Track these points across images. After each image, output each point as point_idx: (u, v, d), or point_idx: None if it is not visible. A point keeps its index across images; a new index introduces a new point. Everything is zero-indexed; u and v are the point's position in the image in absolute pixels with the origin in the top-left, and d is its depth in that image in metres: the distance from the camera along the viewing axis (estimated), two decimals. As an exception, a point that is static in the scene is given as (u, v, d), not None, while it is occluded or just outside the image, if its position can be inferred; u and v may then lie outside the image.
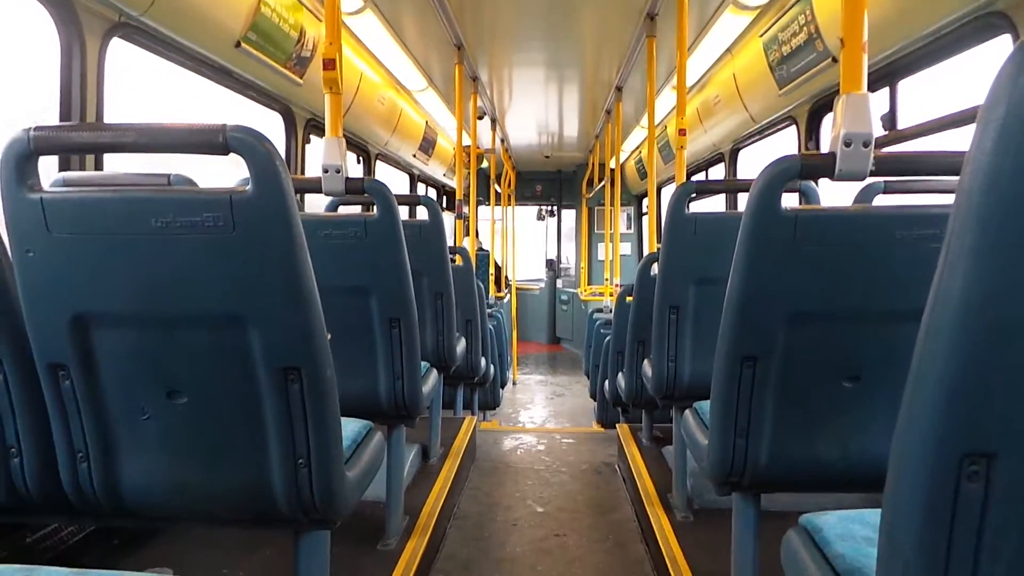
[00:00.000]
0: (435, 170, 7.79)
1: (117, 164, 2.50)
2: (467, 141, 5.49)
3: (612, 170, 7.09)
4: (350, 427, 1.51)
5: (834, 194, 2.20)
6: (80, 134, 1.14)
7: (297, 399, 1.19)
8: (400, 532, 2.25)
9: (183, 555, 2.08)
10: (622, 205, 8.60)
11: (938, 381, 0.60)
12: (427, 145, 6.88)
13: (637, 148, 8.41)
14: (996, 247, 0.55)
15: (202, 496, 1.28)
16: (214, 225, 1.10)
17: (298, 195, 2.78)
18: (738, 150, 5.10)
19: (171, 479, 1.26)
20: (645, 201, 9.86)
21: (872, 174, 1.32)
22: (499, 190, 9.21)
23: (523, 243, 11.27)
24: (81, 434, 1.23)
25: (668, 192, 6.96)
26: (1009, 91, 0.53)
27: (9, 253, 1.15)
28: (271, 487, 1.23)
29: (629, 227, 10.43)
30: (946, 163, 1.29)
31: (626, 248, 10.19)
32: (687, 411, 1.85)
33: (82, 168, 2.23)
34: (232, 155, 1.10)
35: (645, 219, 9.96)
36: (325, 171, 1.95)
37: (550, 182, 11.41)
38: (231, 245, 1.11)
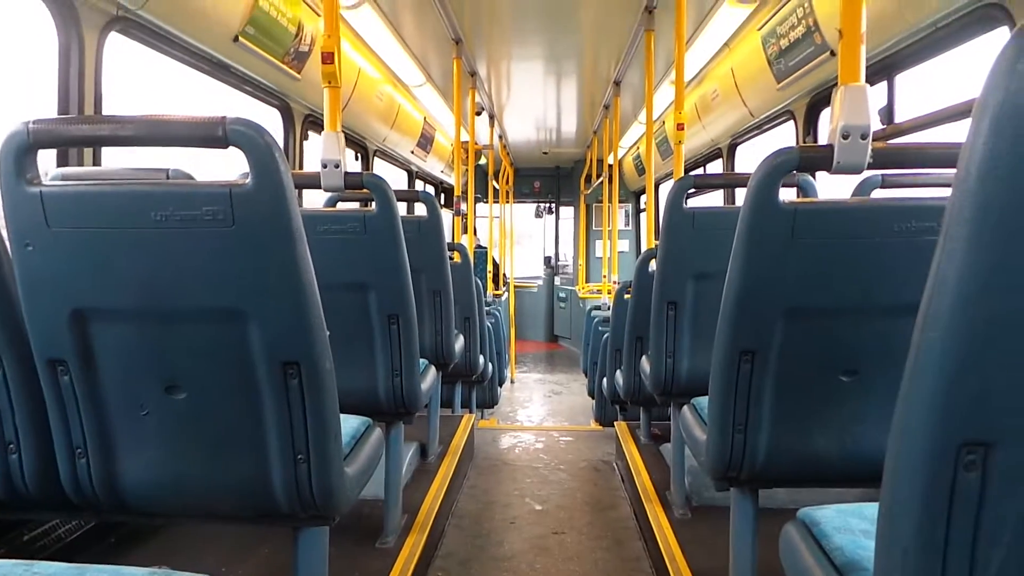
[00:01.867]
0: (433, 166, 7.78)
1: (116, 159, 2.49)
2: (465, 137, 5.48)
3: (610, 166, 7.08)
4: (349, 423, 1.50)
5: (831, 188, 2.20)
6: (79, 127, 1.13)
7: (296, 394, 1.18)
8: (398, 530, 2.24)
9: (181, 552, 2.08)
10: (620, 202, 8.59)
11: (936, 370, 0.60)
12: (425, 141, 6.87)
13: (635, 144, 8.41)
14: (994, 234, 0.55)
15: (201, 492, 1.28)
16: (213, 219, 1.09)
17: (296, 191, 2.79)
18: (736, 145, 5.10)
19: (170, 475, 1.25)
20: (643, 198, 9.86)
21: (870, 167, 1.32)
22: (497, 187, 9.20)
23: (521, 240, 11.26)
24: (80, 430, 1.22)
25: (666, 188, 6.96)
26: (1006, 78, 0.53)
27: (8, 247, 1.15)
28: (270, 482, 1.23)
29: (627, 224, 10.42)
30: (944, 155, 1.29)
31: (624, 245, 10.19)
32: (685, 407, 1.84)
33: (80, 164, 2.22)
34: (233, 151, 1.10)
35: (643, 216, 9.96)
36: (324, 166, 1.95)
37: (548, 178, 11.40)
38: (230, 239, 1.11)
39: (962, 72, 2.66)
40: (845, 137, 1.30)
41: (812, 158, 1.32)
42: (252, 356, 1.17)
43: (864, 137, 1.30)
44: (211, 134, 1.08)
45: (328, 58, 2.10)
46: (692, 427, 1.71)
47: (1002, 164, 0.54)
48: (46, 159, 2.08)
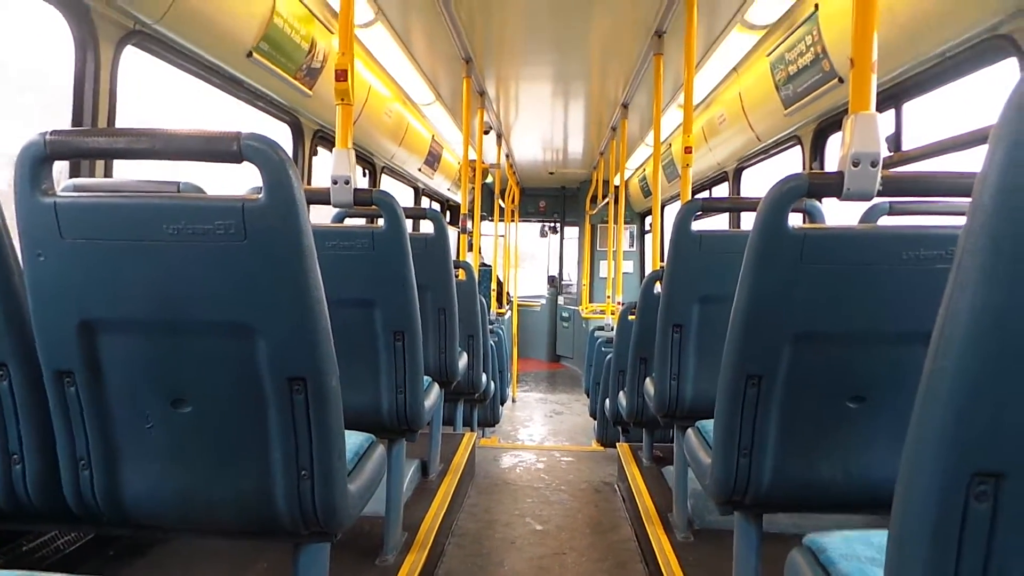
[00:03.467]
0: (440, 184, 7.82)
1: (126, 172, 2.51)
2: (473, 155, 5.52)
3: (616, 187, 7.12)
4: (352, 439, 1.49)
5: (837, 214, 2.21)
6: (95, 139, 1.14)
7: (302, 409, 1.18)
8: (398, 548, 2.23)
9: (179, 565, 2.06)
10: (625, 223, 8.62)
11: (947, 399, 0.60)
12: (432, 159, 6.92)
13: (641, 166, 8.46)
14: (1009, 265, 0.55)
15: (203, 506, 1.27)
16: (226, 233, 1.10)
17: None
18: (742, 169, 5.12)
19: (173, 488, 1.25)
20: (648, 220, 9.90)
21: (880, 194, 1.33)
22: (503, 205, 9.23)
23: (525, 259, 11.29)
24: (84, 441, 1.22)
25: (671, 210, 6.99)
26: (1022, 110, 0.53)
27: (20, 257, 1.15)
28: (273, 498, 1.22)
29: (631, 245, 10.45)
30: (955, 184, 1.29)
31: (628, 266, 10.20)
32: (689, 430, 1.83)
33: (92, 175, 2.24)
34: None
35: (648, 237, 9.99)
36: (334, 182, 1.96)
37: (554, 198, 11.46)
38: (242, 253, 1.11)
39: (965, 100, 2.67)
40: (855, 164, 1.31)
41: (822, 184, 1.32)
42: (259, 371, 1.16)
43: (874, 164, 1.31)
44: (226, 149, 1.09)
45: (342, 76, 2.12)
46: (696, 450, 1.70)
47: (1016, 197, 0.54)
48: (57, 169, 2.10)
